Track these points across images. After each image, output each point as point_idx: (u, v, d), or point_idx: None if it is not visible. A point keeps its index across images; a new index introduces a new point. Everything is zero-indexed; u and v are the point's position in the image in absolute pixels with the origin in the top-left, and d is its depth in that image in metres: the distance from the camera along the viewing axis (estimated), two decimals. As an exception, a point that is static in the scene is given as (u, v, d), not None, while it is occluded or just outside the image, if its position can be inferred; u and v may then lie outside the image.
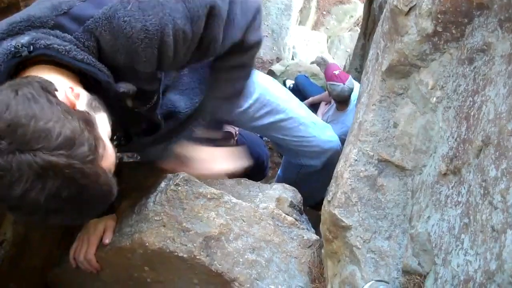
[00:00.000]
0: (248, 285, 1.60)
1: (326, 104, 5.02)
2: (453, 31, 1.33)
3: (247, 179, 1.98)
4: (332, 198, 1.54)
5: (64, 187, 0.95)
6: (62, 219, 1.04)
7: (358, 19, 6.29)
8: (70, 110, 1.02)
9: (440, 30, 1.34)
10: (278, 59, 7.35)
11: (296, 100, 2.36)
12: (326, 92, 4.66)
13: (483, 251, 0.98)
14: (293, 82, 5.83)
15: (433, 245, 1.21)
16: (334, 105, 4.60)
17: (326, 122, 3.09)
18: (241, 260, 1.61)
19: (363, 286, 1.34)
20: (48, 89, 1.03)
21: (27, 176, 0.92)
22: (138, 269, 1.69)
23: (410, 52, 1.41)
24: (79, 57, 1.12)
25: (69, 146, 0.95)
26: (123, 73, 1.23)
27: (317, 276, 1.68)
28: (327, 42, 9.72)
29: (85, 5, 1.16)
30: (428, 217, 1.27)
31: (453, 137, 1.27)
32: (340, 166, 1.61)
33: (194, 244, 1.57)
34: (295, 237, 1.73)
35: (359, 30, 4.19)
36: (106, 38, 1.15)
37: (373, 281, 1.35)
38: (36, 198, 0.93)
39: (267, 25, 5.57)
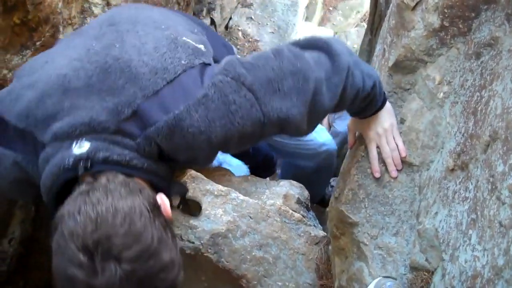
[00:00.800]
0: (255, 282, 1.60)
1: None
2: (460, 26, 1.32)
3: (253, 176, 1.97)
4: (339, 194, 1.54)
5: None
6: None
7: (364, 14, 6.24)
8: (175, 236, 1.07)
9: (447, 24, 1.33)
10: (285, 56, 7.29)
11: None
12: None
13: (491, 247, 0.98)
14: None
15: (441, 241, 1.20)
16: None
17: (333, 117, 3.07)
18: (248, 257, 1.61)
19: (371, 283, 1.34)
20: (157, 208, 1.06)
21: None
22: (145, 266, 1.69)
23: (417, 47, 1.40)
24: (139, 166, 1.12)
25: (178, 273, 1.02)
26: (182, 163, 1.24)
27: (325, 273, 1.68)
28: (334, 38, 9.70)
29: (150, 107, 1.12)
30: (436, 213, 1.26)
31: (460, 132, 1.26)
32: (347, 163, 1.61)
33: (202, 241, 1.57)
34: (302, 234, 1.73)
35: (365, 26, 4.16)
36: (167, 144, 1.13)
37: (381, 277, 1.34)
38: None
39: (273, 22, 5.55)
